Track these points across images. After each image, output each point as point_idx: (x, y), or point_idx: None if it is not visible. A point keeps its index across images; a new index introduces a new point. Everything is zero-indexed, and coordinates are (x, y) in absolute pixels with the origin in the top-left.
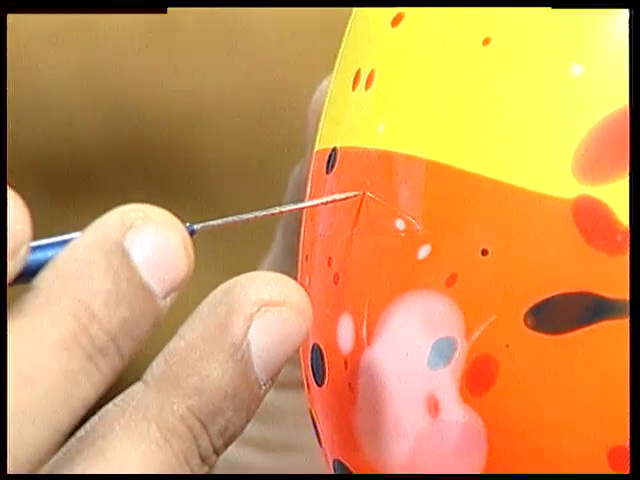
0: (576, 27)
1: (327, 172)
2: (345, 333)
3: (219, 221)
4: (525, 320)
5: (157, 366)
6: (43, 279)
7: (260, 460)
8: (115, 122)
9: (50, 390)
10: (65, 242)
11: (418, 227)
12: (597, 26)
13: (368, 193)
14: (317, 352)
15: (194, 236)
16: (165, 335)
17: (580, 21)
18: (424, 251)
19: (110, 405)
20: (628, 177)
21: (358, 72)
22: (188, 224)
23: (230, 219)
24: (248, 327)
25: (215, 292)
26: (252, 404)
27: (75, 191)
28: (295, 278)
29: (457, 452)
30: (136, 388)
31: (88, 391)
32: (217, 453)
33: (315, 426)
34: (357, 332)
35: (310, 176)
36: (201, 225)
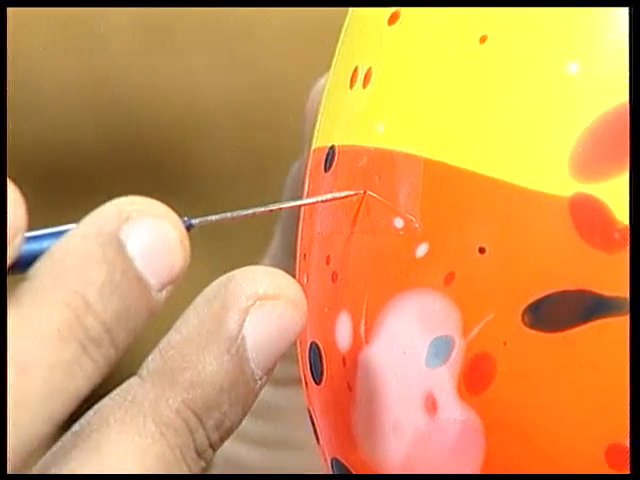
0: (572, 25)
1: (325, 170)
2: (343, 331)
3: (217, 216)
4: (523, 318)
5: (152, 360)
6: (39, 269)
7: (258, 457)
8: (113, 122)
9: (45, 379)
10: (61, 233)
11: (417, 225)
12: (593, 24)
13: (368, 192)
14: (315, 350)
15: (191, 231)
16: (161, 330)
17: (576, 19)
18: (422, 249)
19: (106, 399)
20: (625, 175)
21: (355, 70)
22: (186, 218)
23: (228, 215)
24: (243, 321)
25: (210, 287)
26: (248, 399)
27: (72, 191)
28: (293, 276)
29: (455, 450)
30: (132, 382)
31: (82, 382)
32: (213, 448)
33: (313, 424)
34: (355, 330)
35: (308, 174)
36: (199, 220)
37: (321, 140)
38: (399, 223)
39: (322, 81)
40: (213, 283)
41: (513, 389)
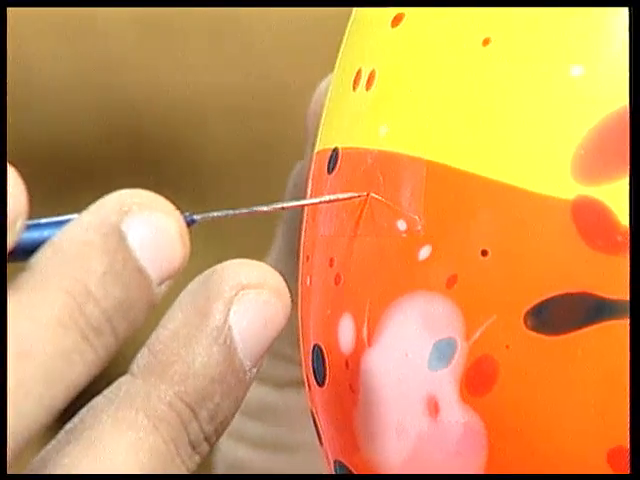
0: (575, 28)
1: (328, 172)
2: (346, 333)
3: (219, 213)
4: (525, 321)
5: (142, 357)
6: (40, 258)
7: (258, 459)
8: (112, 116)
9: (45, 366)
10: (62, 223)
11: (419, 227)
12: (596, 27)
13: (372, 194)
14: (318, 352)
15: (193, 226)
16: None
17: (579, 22)
18: (425, 252)
19: (99, 397)
20: (628, 177)
21: (359, 72)
22: (188, 214)
23: (230, 212)
24: (228, 310)
25: (193, 282)
26: (239, 390)
27: (70, 185)
28: (297, 278)
29: (457, 453)
30: (123, 379)
31: (82, 370)
32: (208, 442)
33: (316, 426)
34: (358, 332)
35: (310, 176)
36: (201, 216)
37: (324, 142)
38: (402, 225)
39: (324, 84)
40: (196, 278)
41: (515, 392)
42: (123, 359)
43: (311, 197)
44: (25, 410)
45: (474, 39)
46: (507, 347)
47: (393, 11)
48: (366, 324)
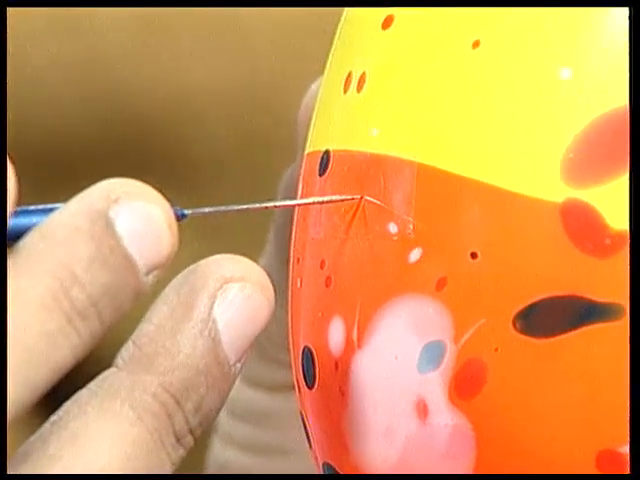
0: (565, 30)
1: (320, 174)
2: (336, 336)
3: (210, 209)
4: (514, 324)
5: (126, 350)
6: (27, 242)
7: (250, 462)
8: (109, 114)
9: (29, 347)
10: (50, 210)
11: (410, 230)
12: (586, 29)
13: (366, 196)
14: (308, 354)
15: (184, 220)
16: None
17: (569, 24)
18: (415, 255)
19: (83, 390)
20: (617, 180)
21: (349, 74)
22: (178, 208)
23: (222, 208)
24: (212, 303)
25: (177, 277)
26: (224, 384)
27: (67, 180)
28: (287, 280)
29: (446, 455)
30: (107, 372)
31: (66, 353)
32: (193, 434)
33: (305, 428)
34: (348, 335)
35: (301, 178)
36: (192, 210)
37: (315, 144)
38: (394, 228)
39: (314, 86)
40: (180, 274)
41: (504, 395)
42: (110, 356)
43: (302, 199)
44: (9, 391)
45: (464, 42)
46: (496, 350)
47: (383, 13)
48: (356, 326)
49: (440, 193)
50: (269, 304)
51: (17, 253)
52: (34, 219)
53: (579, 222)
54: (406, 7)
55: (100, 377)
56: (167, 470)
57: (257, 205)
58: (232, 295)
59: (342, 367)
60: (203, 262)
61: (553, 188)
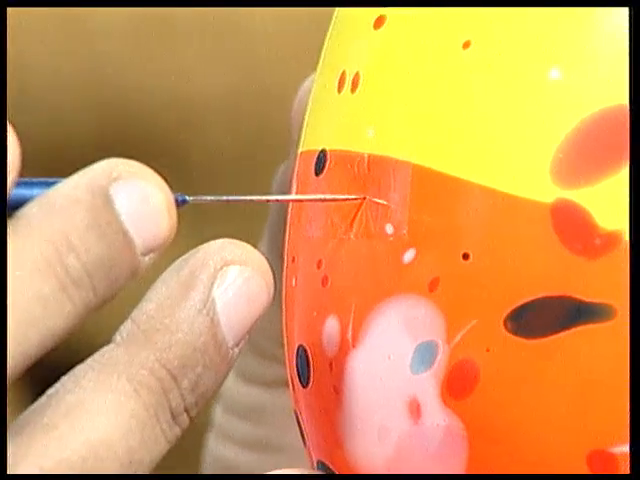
0: (555, 31)
1: (316, 174)
2: (331, 335)
3: (211, 197)
4: (505, 324)
5: (125, 327)
6: (27, 210)
7: (246, 458)
8: (108, 116)
9: (21, 309)
10: (52, 183)
11: (404, 231)
12: (577, 30)
13: (368, 197)
14: (302, 353)
15: (184, 206)
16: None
17: (559, 25)
18: (409, 255)
19: (81, 365)
20: (607, 180)
21: (343, 74)
22: (180, 194)
23: (224, 198)
24: (212, 283)
25: (177, 260)
26: (221, 365)
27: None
28: (281, 278)
29: (438, 455)
30: (106, 348)
31: (59, 320)
32: (188, 413)
33: (299, 426)
34: (343, 334)
35: (295, 177)
36: (193, 198)
37: (309, 143)
38: (390, 229)
39: (307, 83)
40: (180, 258)
41: (496, 395)
42: (102, 339)
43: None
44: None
45: (454, 42)
46: (488, 350)
47: (375, 13)
48: (351, 326)
49: (434, 194)
50: (268, 289)
51: (16, 220)
52: (35, 191)
53: (569, 222)
54: (397, 7)
55: (98, 352)
56: (162, 448)
57: (257, 197)
58: (232, 277)
59: (336, 366)
60: (204, 246)
61: (543, 189)
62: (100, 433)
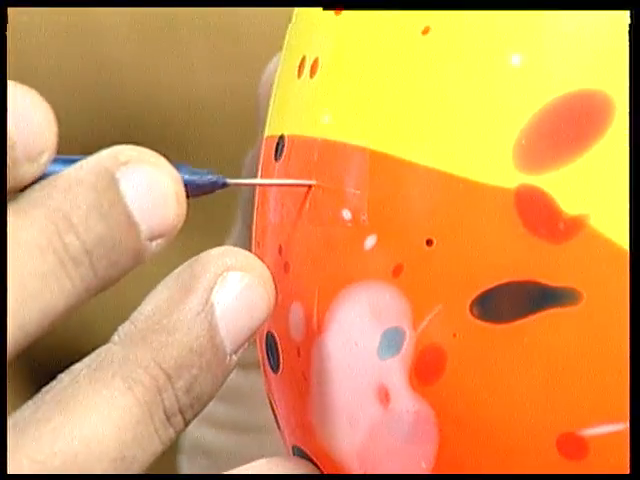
0: (516, 17)
1: (275, 159)
2: (297, 321)
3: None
4: (471, 309)
5: (123, 327)
6: (31, 189)
7: (223, 439)
8: (109, 116)
9: (20, 285)
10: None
11: (364, 217)
12: (536, 15)
13: (318, 182)
14: (271, 340)
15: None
16: None
17: (520, 11)
18: (370, 241)
19: (77, 363)
20: (569, 165)
21: (303, 59)
22: (222, 176)
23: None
24: (211, 288)
25: (179, 267)
26: (218, 370)
27: None
28: None
29: (408, 440)
30: (103, 347)
31: (58, 297)
32: (183, 414)
33: (273, 411)
34: (308, 321)
35: (261, 162)
36: (234, 181)
37: (272, 129)
38: (347, 215)
39: (272, 65)
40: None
41: (463, 380)
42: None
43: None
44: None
45: (414, 28)
46: (454, 336)
47: None
48: (315, 313)
49: (393, 180)
50: (269, 298)
51: (20, 198)
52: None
53: (533, 208)
54: None
55: (95, 352)
56: (156, 448)
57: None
58: (232, 283)
59: (304, 353)
60: (205, 252)
61: (506, 174)
62: (93, 427)
